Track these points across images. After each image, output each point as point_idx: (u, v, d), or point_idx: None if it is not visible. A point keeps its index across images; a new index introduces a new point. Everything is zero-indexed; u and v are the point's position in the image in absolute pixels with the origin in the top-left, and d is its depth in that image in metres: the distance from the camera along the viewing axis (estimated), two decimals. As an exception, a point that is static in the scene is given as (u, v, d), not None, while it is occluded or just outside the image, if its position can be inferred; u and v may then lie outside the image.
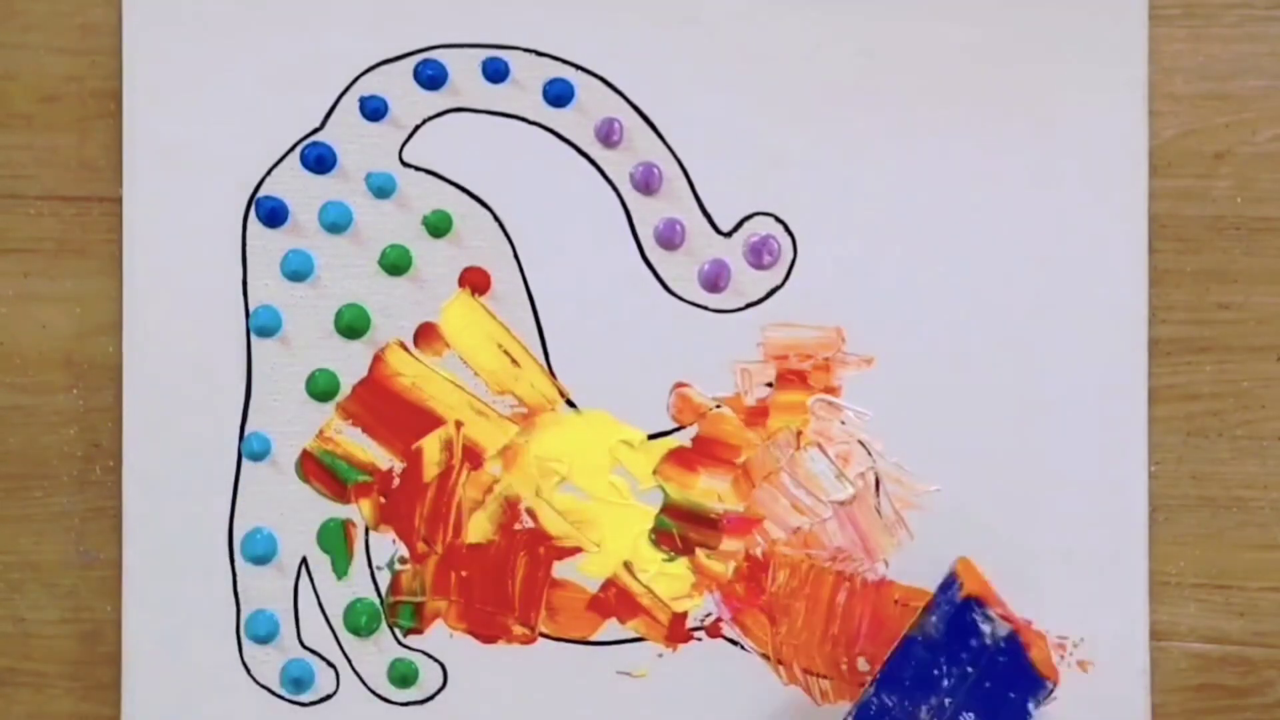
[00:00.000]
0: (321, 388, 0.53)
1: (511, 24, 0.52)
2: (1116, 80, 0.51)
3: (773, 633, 0.51)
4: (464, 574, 0.52)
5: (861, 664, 0.51)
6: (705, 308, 0.52)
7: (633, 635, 0.52)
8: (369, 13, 0.52)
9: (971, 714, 0.47)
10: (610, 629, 0.52)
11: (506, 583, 0.52)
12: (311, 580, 0.53)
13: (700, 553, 0.52)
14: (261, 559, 0.52)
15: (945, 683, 0.48)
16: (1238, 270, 0.51)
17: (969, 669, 0.48)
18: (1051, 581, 0.51)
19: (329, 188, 0.53)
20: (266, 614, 0.52)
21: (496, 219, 0.52)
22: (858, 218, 0.51)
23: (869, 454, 0.51)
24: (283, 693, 0.52)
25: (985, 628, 0.48)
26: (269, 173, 0.52)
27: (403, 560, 0.52)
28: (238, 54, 0.52)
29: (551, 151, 0.52)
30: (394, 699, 0.52)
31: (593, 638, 0.52)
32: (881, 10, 0.51)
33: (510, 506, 0.52)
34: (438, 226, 0.52)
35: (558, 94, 0.52)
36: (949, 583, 0.49)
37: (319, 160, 0.52)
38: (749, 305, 0.52)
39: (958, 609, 0.48)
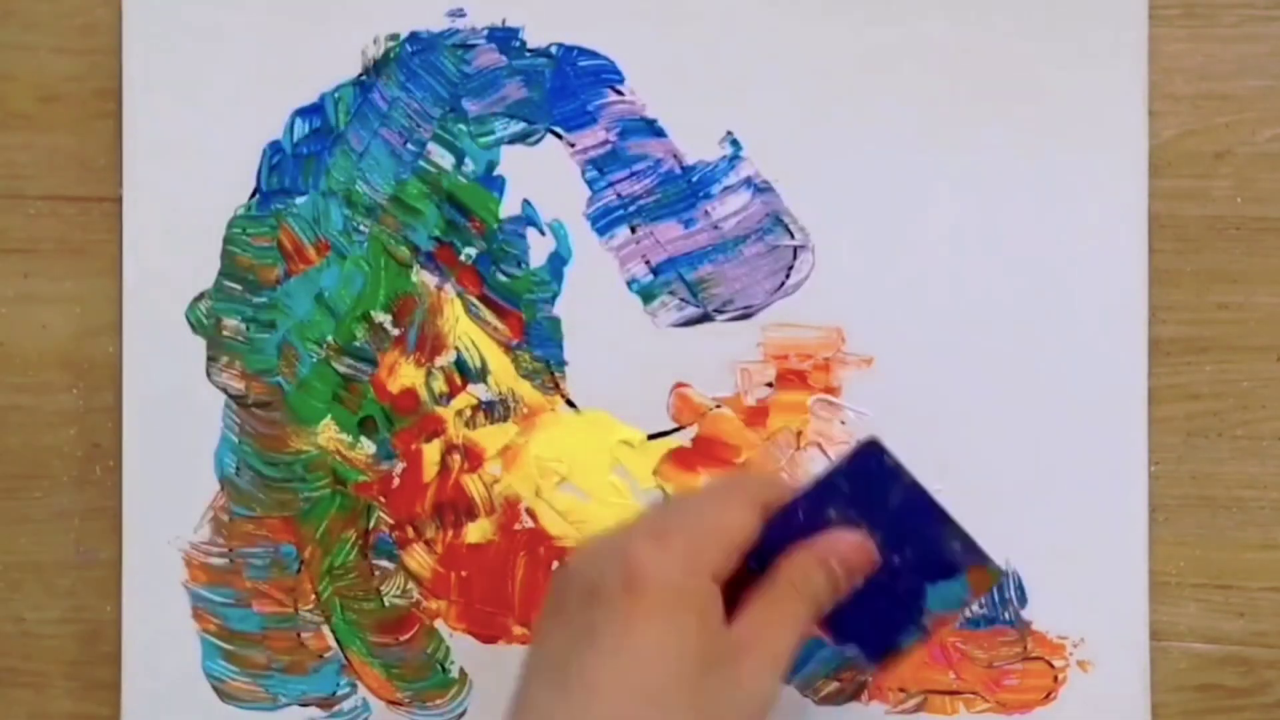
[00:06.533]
0: (321, 388, 0.53)
1: (511, 23, 0.52)
2: (1116, 80, 0.50)
3: (773, 633, 0.51)
4: (464, 574, 0.52)
5: (861, 664, 0.51)
6: (705, 308, 0.52)
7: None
8: (369, 12, 0.52)
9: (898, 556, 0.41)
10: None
11: (506, 583, 0.52)
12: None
13: (700, 553, 0.52)
14: (261, 559, 0.52)
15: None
16: (1238, 270, 0.51)
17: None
18: (1051, 581, 0.51)
19: (329, 188, 0.53)
20: (266, 614, 0.53)
21: (496, 219, 0.52)
22: (858, 219, 0.51)
23: (869, 454, 0.51)
24: (283, 693, 0.53)
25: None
26: (270, 173, 0.52)
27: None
28: (238, 54, 0.52)
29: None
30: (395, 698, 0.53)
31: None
32: (881, 11, 0.51)
33: (510, 506, 0.52)
34: (438, 226, 0.52)
35: (558, 94, 0.52)
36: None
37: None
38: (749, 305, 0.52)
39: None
